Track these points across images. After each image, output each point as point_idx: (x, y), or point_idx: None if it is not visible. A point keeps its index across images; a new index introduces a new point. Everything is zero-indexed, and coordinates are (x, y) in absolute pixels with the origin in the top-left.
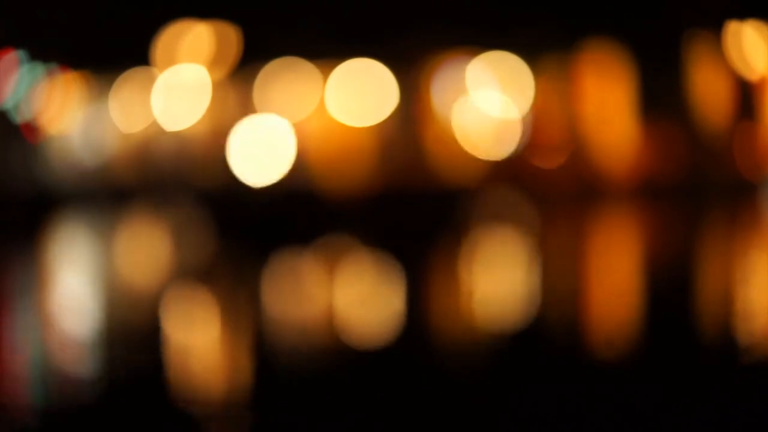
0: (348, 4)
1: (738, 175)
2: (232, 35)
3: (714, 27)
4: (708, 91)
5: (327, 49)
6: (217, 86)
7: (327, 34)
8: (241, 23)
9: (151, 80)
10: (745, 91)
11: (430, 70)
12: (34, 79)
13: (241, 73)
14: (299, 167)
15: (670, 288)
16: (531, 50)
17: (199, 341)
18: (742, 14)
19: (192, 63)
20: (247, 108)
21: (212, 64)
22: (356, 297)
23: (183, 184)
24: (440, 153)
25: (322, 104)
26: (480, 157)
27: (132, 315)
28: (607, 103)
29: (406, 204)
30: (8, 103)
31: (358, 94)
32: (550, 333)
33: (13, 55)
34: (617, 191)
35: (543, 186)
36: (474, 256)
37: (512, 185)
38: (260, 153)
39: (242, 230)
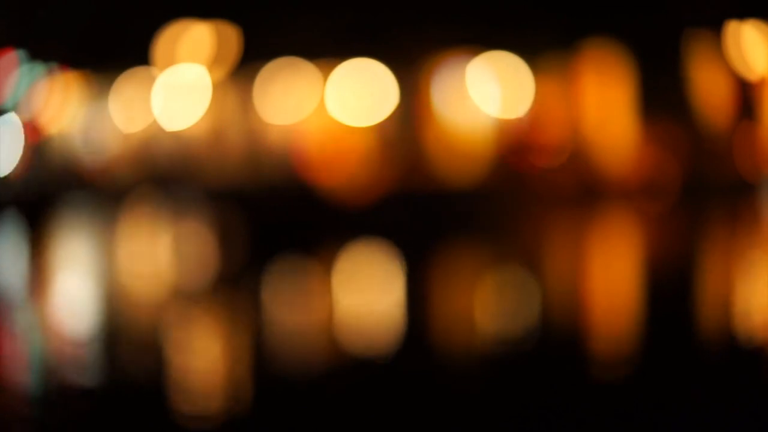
0: (348, 4)
1: (738, 175)
2: (232, 35)
3: (714, 27)
4: (708, 91)
5: (327, 49)
6: (217, 86)
7: (327, 34)
8: (241, 23)
9: (151, 80)
10: (745, 91)
11: (430, 70)
12: (34, 79)
13: (241, 73)
14: (298, 168)
15: (671, 289)
16: (531, 50)
17: (200, 345)
18: (742, 14)
19: (192, 63)
20: (247, 108)
21: (212, 64)
22: (356, 301)
23: (183, 184)
24: (440, 153)
25: (322, 104)
26: (480, 157)
27: (132, 317)
28: (607, 103)
29: (405, 204)
30: (8, 103)
31: (358, 94)
32: (551, 336)
33: (13, 55)
34: (617, 191)
35: (543, 186)
36: (475, 257)
37: (512, 185)
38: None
39: (243, 232)
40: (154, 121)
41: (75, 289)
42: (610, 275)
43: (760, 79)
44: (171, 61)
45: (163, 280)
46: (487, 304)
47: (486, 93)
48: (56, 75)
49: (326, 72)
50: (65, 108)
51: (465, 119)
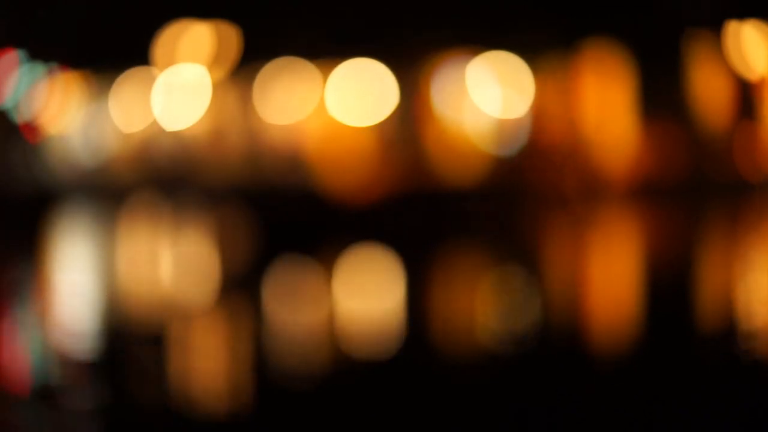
0: (348, 4)
1: (738, 175)
2: (232, 35)
3: (714, 27)
4: (708, 91)
5: (327, 49)
6: (217, 86)
7: (327, 34)
8: (241, 23)
9: (151, 80)
10: (745, 91)
11: (430, 70)
12: (34, 79)
13: (241, 73)
14: (298, 168)
15: (671, 288)
16: (531, 50)
17: (202, 347)
18: (742, 14)
19: (192, 63)
20: (247, 108)
21: (212, 64)
22: (358, 302)
23: (183, 185)
24: (440, 153)
25: (322, 104)
26: (480, 157)
27: (131, 320)
28: (607, 103)
29: (405, 204)
30: (8, 103)
31: (358, 94)
32: (551, 335)
33: (13, 55)
34: (617, 191)
35: (543, 186)
36: (475, 257)
37: (512, 185)
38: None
39: (243, 232)
40: (154, 121)
41: (75, 291)
42: (610, 275)
43: (760, 79)
44: (171, 61)
45: (163, 282)
46: (488, 304)
47: (486, 93)
48: (56, 75)
49: (326, 72)
50: (65, 108)
51: (465, 119)
